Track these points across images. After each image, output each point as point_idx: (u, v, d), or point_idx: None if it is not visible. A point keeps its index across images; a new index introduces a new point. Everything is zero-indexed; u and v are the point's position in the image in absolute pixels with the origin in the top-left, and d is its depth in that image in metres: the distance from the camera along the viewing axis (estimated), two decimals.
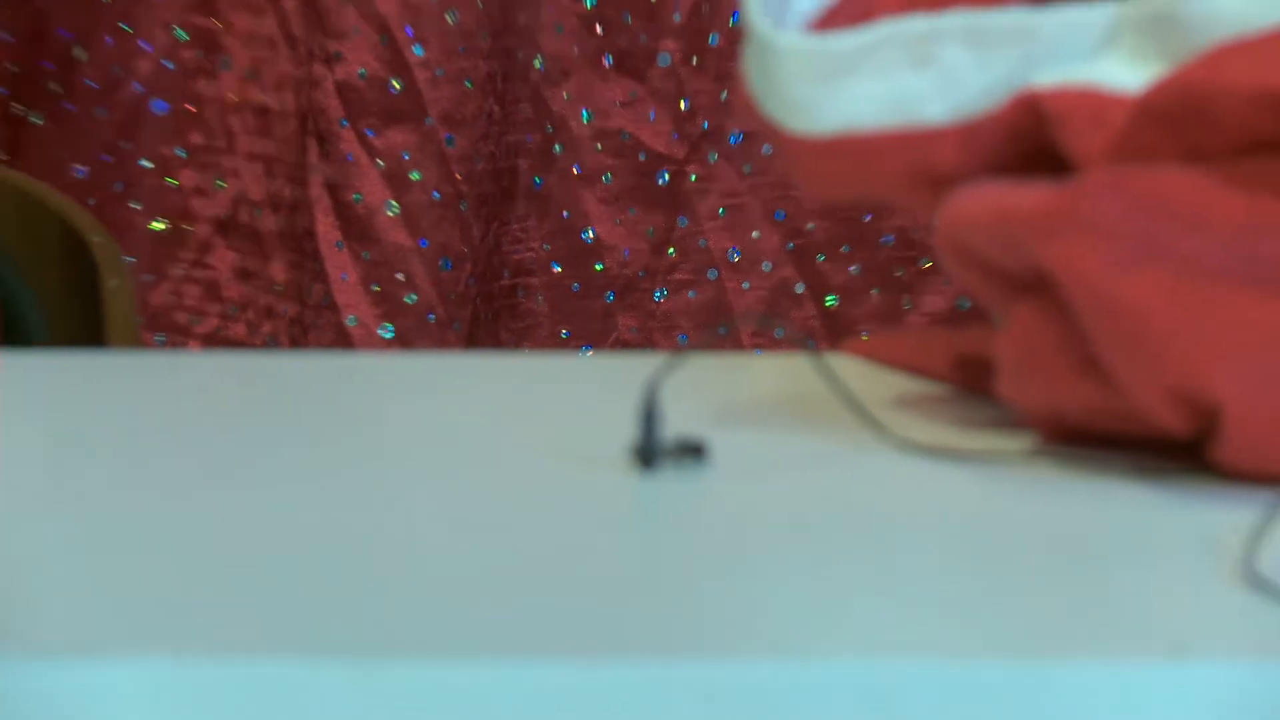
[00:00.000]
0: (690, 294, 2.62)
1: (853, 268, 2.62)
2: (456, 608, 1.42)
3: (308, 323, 2.55)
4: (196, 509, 1.61)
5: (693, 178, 2.63)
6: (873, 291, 2.61)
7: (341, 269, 2.54)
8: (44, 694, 1.27)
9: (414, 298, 2.54)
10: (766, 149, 2.46)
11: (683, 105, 2.63)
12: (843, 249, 2.62)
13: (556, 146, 2.60)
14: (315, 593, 1.43)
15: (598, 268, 2.62)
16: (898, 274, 2.62)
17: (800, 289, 2.62)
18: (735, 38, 1.78)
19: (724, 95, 2.60)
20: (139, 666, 1.28)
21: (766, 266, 2.62)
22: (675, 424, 1.64)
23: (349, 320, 2.52)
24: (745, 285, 2.62)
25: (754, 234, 2.63)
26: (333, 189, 2.54)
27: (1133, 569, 1.48)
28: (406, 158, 2.53)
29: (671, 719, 1.29)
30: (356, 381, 2.08)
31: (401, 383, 2.09)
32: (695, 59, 2.62)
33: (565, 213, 2.62)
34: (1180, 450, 1.61)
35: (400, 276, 2.54)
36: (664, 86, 2.64)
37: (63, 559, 1.49)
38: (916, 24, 1.74)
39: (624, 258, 2.62)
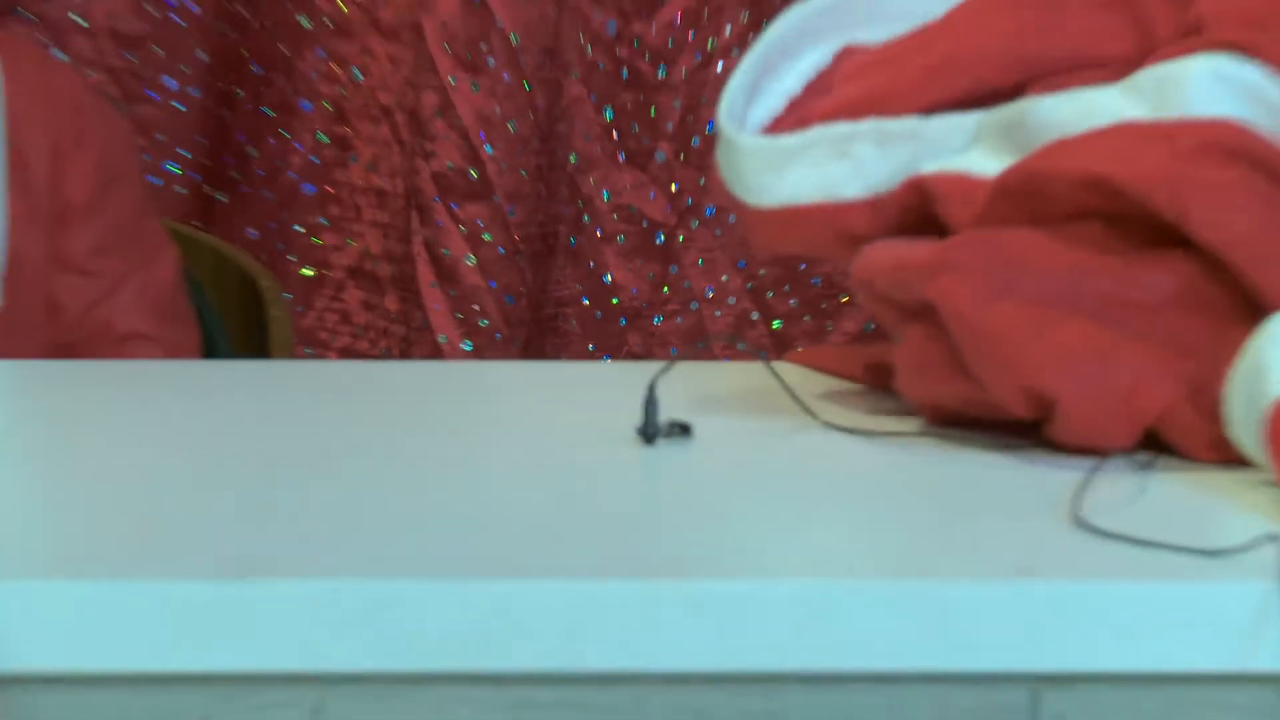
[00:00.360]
0: (679, 320, 2.59)
1: (792, 301, 2.59)
2: (513, 539, 1.40)
3: (411, 340, 2.52)
4: (334, 466, 1.58)
5: (680, 238, 2.60)
6: (806, 318, 2.58)
7: (435, 302, 2.51)
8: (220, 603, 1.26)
9: (486, 322, 2.51)
10: (732, 218, 2.42)
11: (673, 188, 2.60)
12: (785, 288, 2.59)
13: (585, 217, 2.57)
14: (411, 528, 1.41)
15: (614, 301, 2.59)
16: (824, 305, 2.58)
17: (755, 316, 2.58)
18: (711, 141, 1.77)
19: (702, 181, 2.57)
20: (315, 583, 1.28)
21: (731, 300, 2.59)
22: (668, 410, 1.61)
23: (440, 338, 2.49)
24: (717, 314, 2.59)
25: (723, 278, 2.60)
26: (429, 246, 2.51)
27: (992, 513, 1.46)
28: (480, 224, 2.51)
29: (665, 623, 1.27)
30: (446, 381, 2.04)
31: (477, 382, 2.05)
32: (683, 155, 2.59)
33: (591, 263, 2.59)
34: (1026, 429, 1.59)
35: (476, 308, 2.51)
36: (661, 175, 2.61)
37: (258, 498, 1.47)
38: (839, 128, 1.71)
39: (632, 294, 2.59)
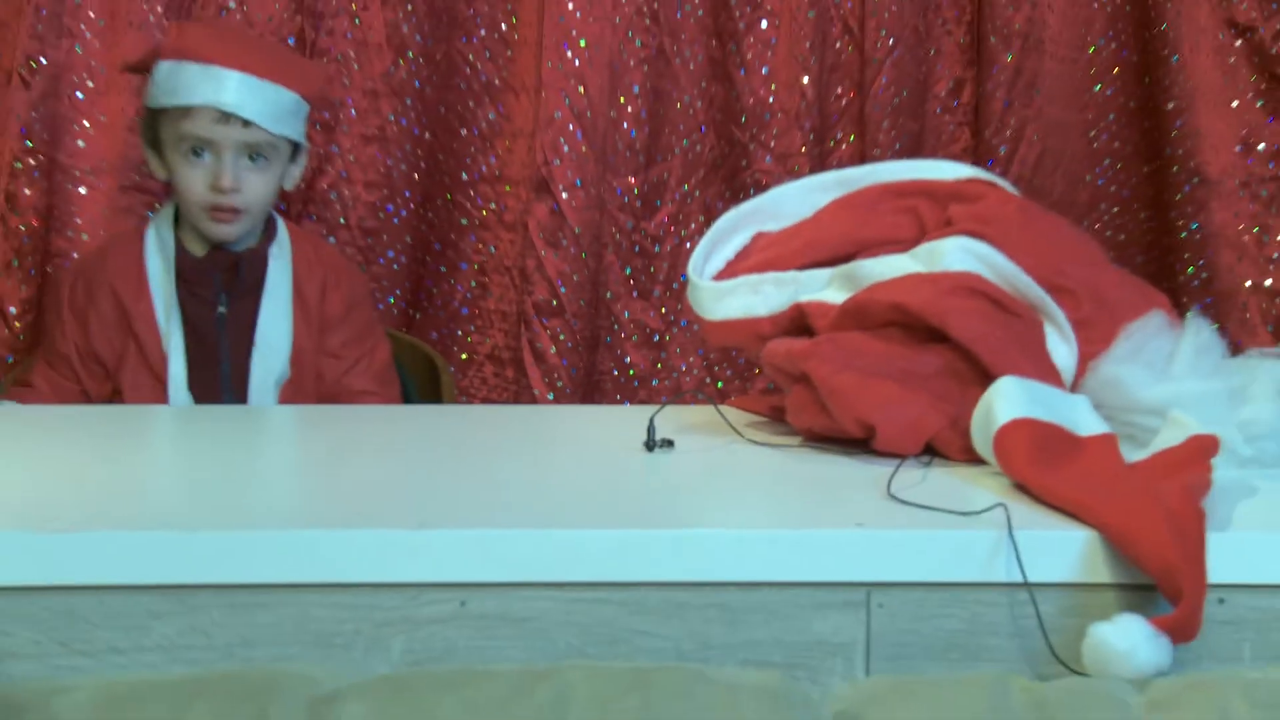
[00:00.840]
0: (666, 382, 2.54)
1: (728, 371, 2.54)
2: (572, 503, 1.35)
3: (520, 394, 2.46)
4: (474, 463, 1.52)
5: (667, 338, 2.56)
6: (736, 381, 2.53)
7: (534, 373, 2.46)
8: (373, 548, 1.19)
9: (561, 383, 2.46)
10: (696, 327, 2.37)
11: (663, 310, 2.56)
12: (724, 364, 2.53)
13: (615, 325, 2.55)
14: (516, 497, 1.36)
15: (631, 373, 2.55)
16: (746, 374, 2.52)
17: (708, 380, 2.54)
18: (684, 285, 1.73)
19: (679, 306, 2.52)
20: (435, 536, 1.23)
21: (695, 371, 2.54)
22: (661, 432, 1.54)
23: (536, 393, 2.43)
24: (688, 379, 2.53)
25: (690, 359, 2.54)
26: (530, 343, 2.50)
27: (842, 490, 1.40)
28: (559, 330, 2.50)
29: (657, 557, 1.23)
30: (538, 416, 1.98)
31: (555, 417, 1.99)
32: (668, 293, 2.57)
33: (619, 351, 2.56)
34: (859, 444, 1.52)
35: (556, 376, 2.46)
36: (656, 303, 2.59)
37: (433, 481, 1.43)
38: (754, 278, 1.66)
39: (641, 369, 2.54)
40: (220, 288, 2.02)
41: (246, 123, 1.99)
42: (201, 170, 1.99)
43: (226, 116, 1.98)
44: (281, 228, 2.10)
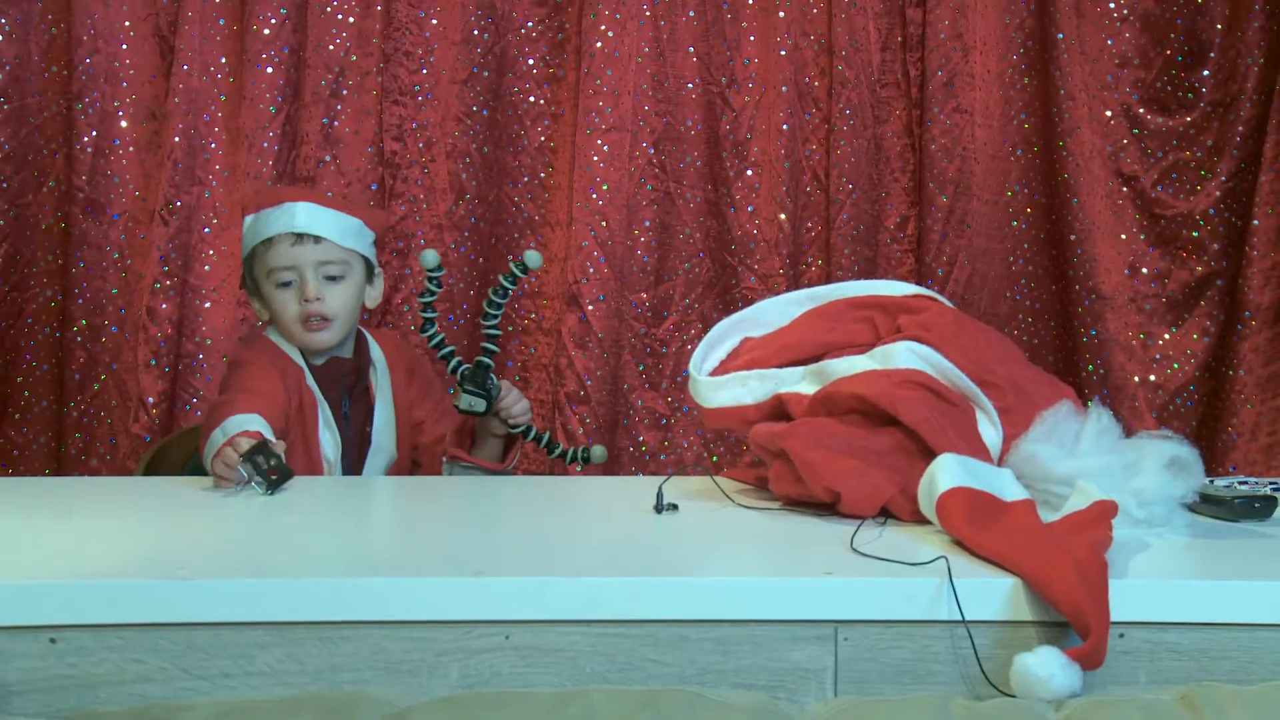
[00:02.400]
0: (673, 457, 2.52)
1: (722, 449, 2.52)
2: (595, 556, 1.34)
3: (554, 467, 2.45)
4: (519, 520, 1.51)
5: (673, 421, 2.55)
6: (728, 455, 2.51)
7: (571, 465, 2.42)
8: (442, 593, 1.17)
9: (592, 459, 2.43)
10: (695, 413, 2.36)
11: (669, 399, 2.54)
12: (719, 443, 2.52)
13: (630, 411, 2.55)
14: (549, 550, 1.35)
15: (643, 449, 2.53)
16: (736, 451, 2.51)
17: (705, 454, 2.51)
18: (685, 379, 1.72)
19: (683, 396, 2.51)
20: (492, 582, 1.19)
21: (695, 447, 2.52)
22: (668, 497, 1.53)
23: (571, 469, 2.40)
24: (689, 454, 2.52)
25: (691, 438, 2.53)
26: (563, 424, 2.44)
27: (814, 545, 1.39)
28: (585, 414, 2.46)
29: (664, 599, 1.22)
30: (571, 485, 1.96)
31: (581, 485, 1.97)
32: (673, 385, 2.54)
33: (633, 432, 2.54)
34: (827, 508, 1.51)
35: (586, 452, 2.43)
36: (663, 394, 2.59)
37: (483, 536, 1.41)
38: (741, 374, 1.66)
39: (652, 447, 2.52)
40: (345, 391, 1.97)
41: (318, 240, 1.95)
42: (290, 293, 1.95)
43: (300, 237, 1.95)
44: (370, 340, 2.06)
